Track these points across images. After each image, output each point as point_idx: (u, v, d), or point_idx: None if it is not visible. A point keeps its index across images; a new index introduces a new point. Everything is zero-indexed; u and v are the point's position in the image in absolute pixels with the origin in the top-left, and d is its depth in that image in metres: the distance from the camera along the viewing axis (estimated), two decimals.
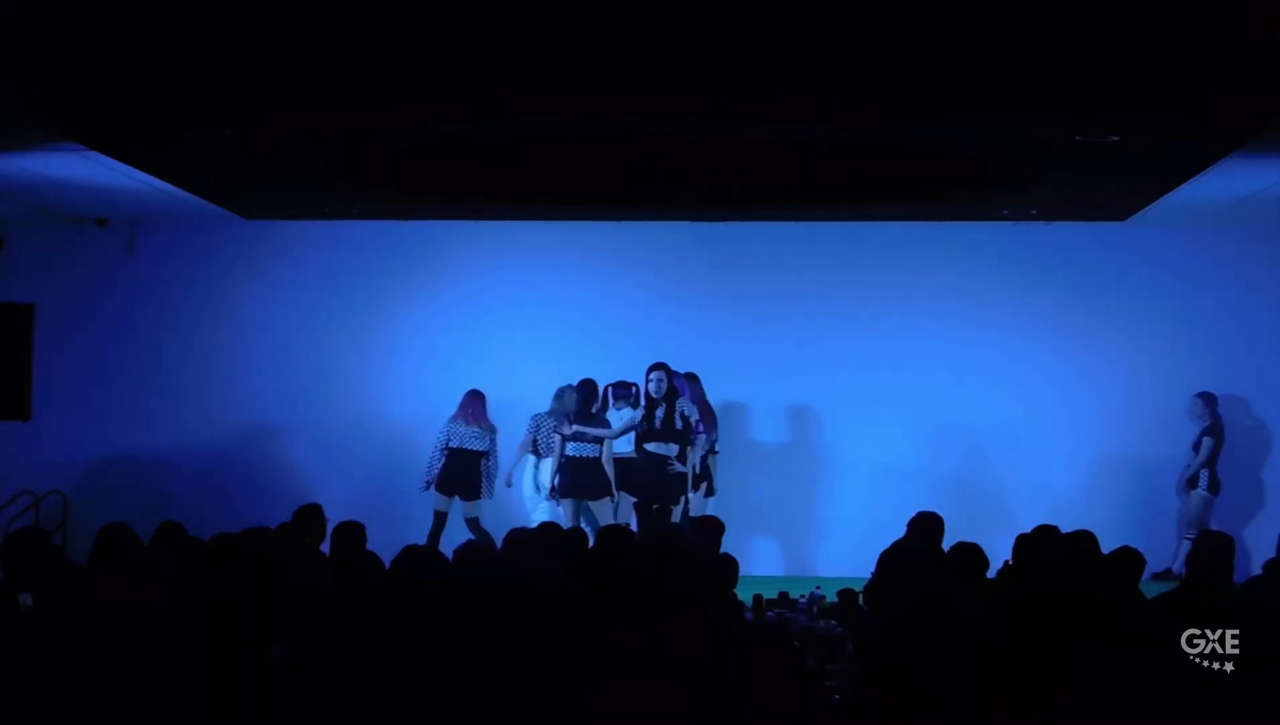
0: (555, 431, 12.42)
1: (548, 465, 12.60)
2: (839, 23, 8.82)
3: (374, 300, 14.13)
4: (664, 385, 12.09)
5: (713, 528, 8.75)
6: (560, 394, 12.73)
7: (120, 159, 11.06)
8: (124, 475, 14.03)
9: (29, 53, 9.13)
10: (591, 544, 8.22)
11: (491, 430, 12.75)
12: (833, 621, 7.79)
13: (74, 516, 13.28)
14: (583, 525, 11.39)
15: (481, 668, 4.86)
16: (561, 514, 12.26)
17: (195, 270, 14.17)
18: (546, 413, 12.71)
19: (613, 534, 8.12)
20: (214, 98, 9.39)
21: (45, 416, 13.23)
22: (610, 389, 12.70)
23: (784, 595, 9.58)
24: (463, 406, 12.76)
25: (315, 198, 13.11)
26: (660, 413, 12.07)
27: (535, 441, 12.70)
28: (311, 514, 8.60)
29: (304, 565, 7.38)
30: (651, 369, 12.21)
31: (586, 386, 12.51)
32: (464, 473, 12.62)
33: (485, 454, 12.70)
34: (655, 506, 12.14)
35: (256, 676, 4.99)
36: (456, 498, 12.65)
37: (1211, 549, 6.60)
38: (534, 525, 11.36)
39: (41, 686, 5.08)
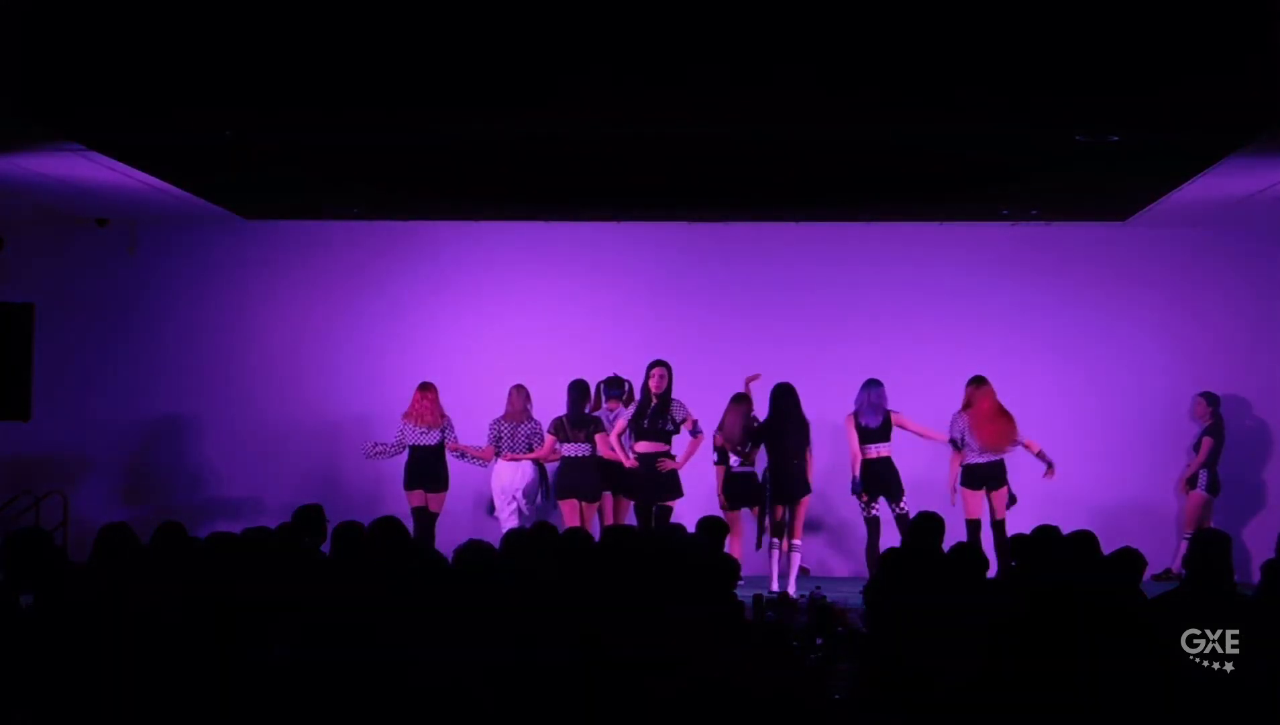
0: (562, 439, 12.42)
1: (510, 469, 12.60)
2: (839, 23, 8.82)
3: (374, 300, 14.14)
4: (665, 382, 12.12)
5: (715, 528, 8.74)
6: (510, 395, 12.75)
7: (120, 159, 11.07)
8: (124, 475, 14.05)
9: (28, 53, 9.13)
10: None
11: (440, 423, 12.74)
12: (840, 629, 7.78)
13: (74, 516, 13.28)
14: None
15: (481, 667, 4.87)
16: (521, 520, 12.29)
17: (195, 270, 14.18)
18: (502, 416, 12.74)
19: (614, 534, 8.14)
20: (213, 98, 9.40)
21: (45, 416, 13.23)
22: (602, 386, 12.69)
23: (784, 595, 9.60)
24: (411, 404, 12.77)
25: (315, 198, 13.12)
26: (652, 411, 12.11)
27: (497, 444, 12.69)
28: (311, 514, 8.60)
29: (304, 565, 7.38)
30: (653, 366, 12.22)
31: (578, 387, 12.50)
32: (425, 467, 12.67)
33: (440, 447, 12.72)
34: (655, 507, 12.17)
35: (256, 676, 4.99)
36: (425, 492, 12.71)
37: (1208, 547, 6.60)
38: (503, 528, 11.48)
39: (41, 686, 5.07)
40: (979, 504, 12.26)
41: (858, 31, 8.88)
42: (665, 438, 12.18)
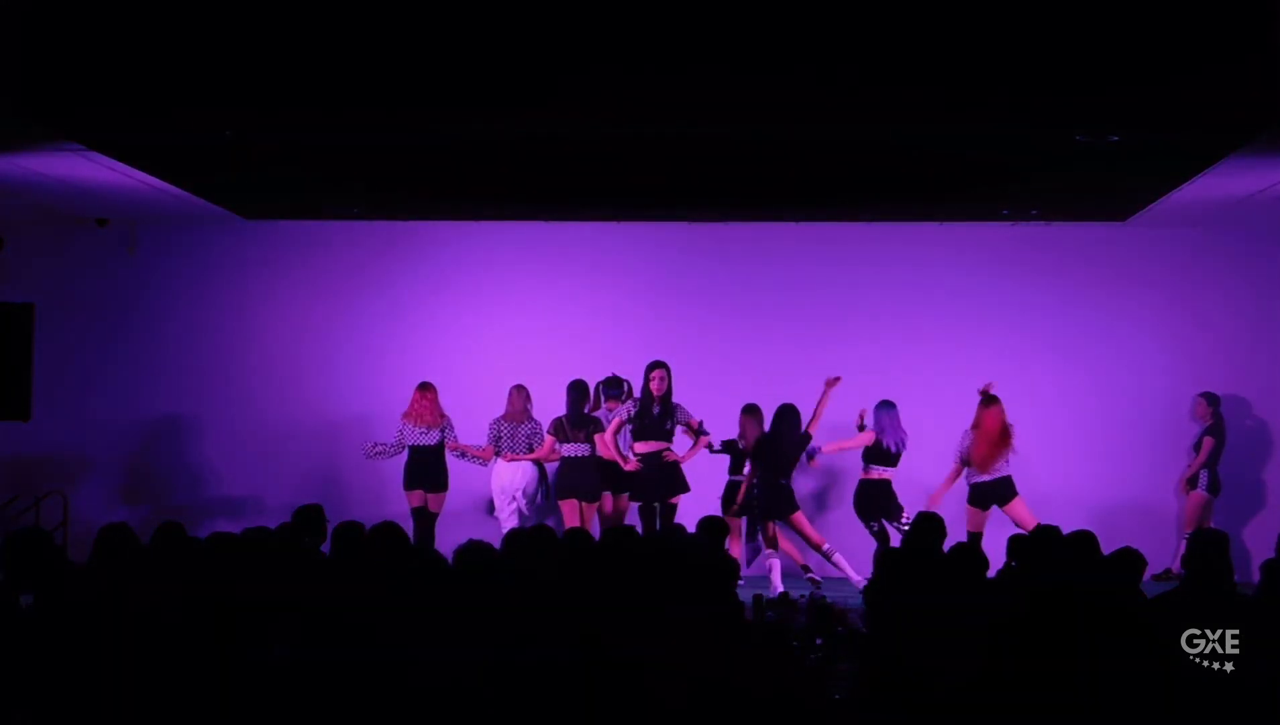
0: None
1: (510, 469, 12.59)
2: (839, 23, 8.82)
3: (374, 300, 14.14)
4: (665, 384, 12.14)
5: (715, 528, 8.74)
6: (510, 395, 12.75)
7: (120, 159, 11.07)
8: (124, 475, 14.06)
9: (28, 53, 9.13)
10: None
11: (440, 423, 12.73)
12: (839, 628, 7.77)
13: (74, 516, 13.28)
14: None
15: (481, 667, 4.86)
16: (521, 520, 12.31)
17: (195, 270, 14.18)
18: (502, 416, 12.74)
19: (614, 534, 8.14)
20: (213, 98, 9.40)
21: (45, 416, 13.23)
22: (601, 386, 12.70)
23: (784, 595, 9.58)
24: (410, 404, 12.78)
25: (315, 198, 13.12)
26: (656, 412, 12.12)
27: (497, 444, 12.69)
28: (312, 514, 8.59)
29: (304, 565, 7.37)
30: (653, 367, 12.23)
31: (577, 387, 12.50)
32: (424, 467, 12.67)
33: (439, 447, 12.71)
34: (656, 505, 12.19)
35: (256, 676, 4.99)
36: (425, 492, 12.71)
37: (1207, 546, 6.62)
38: (503, 529, 11.52)
39: (41, 686, 5.07)
40: (981, 520, 12.29)
41: (857, 31, 8.87)
42: (667, 438, 12.22)
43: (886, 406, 12.39)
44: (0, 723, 5.10)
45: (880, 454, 12.30)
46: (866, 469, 12.35)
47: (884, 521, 12.24)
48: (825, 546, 12.14)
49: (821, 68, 9.08)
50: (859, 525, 12.47)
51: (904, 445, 12.31)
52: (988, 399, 12.39)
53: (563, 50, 9.05)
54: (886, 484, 12.31)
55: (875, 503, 12.25)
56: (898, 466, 12.34)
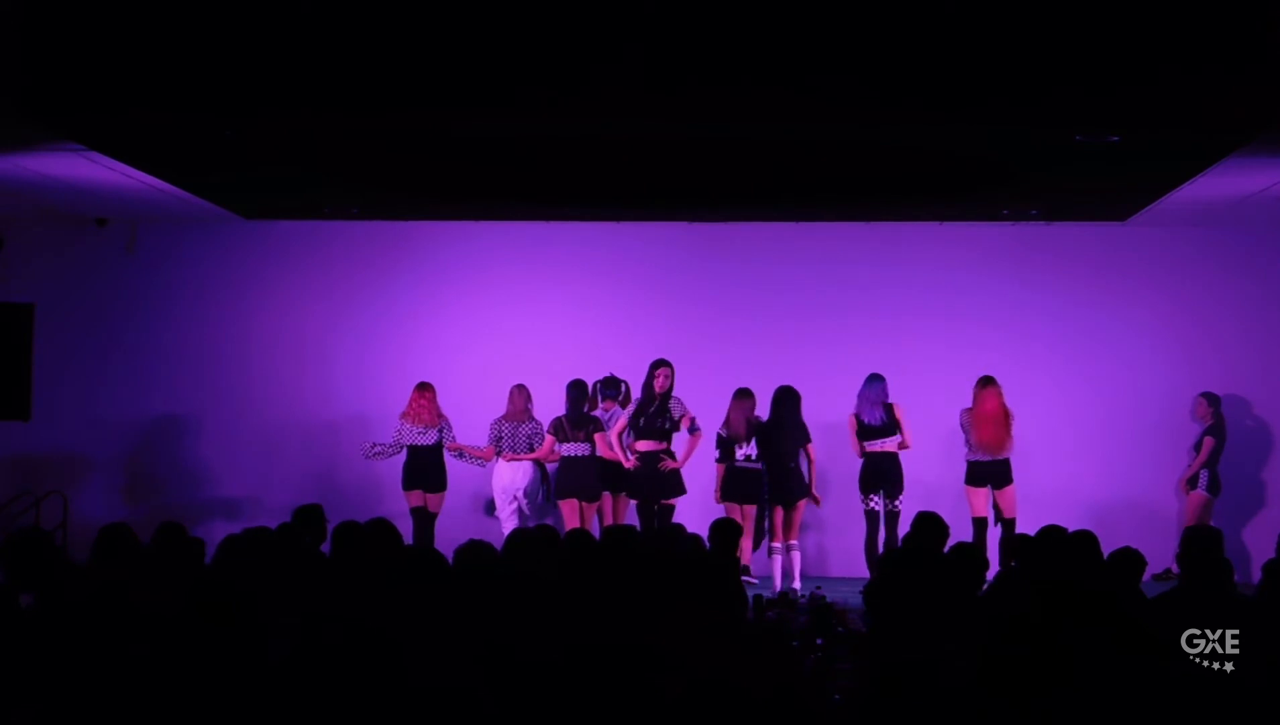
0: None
1: (510, 469, 12.59)
2: (839, 22, 8.82)
3: (374, 300, 14.14)
4: (668, 382, 12.15)
5: (727, 529, 8.72)
6: (510, 395, 12.75)
7: (120, 159, 11.07)
8: (124, 475, 14.05)
9: (28, 53, 9.13)
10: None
11: (438, 423, 12.73)
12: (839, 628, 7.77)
13: (74, 516, 13.28)
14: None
15: (482, 665, 4.87)
16: (522, 520, 12.31)
17: (195, 270, 14.18)
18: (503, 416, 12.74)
19: (614, 534, 8.14)
20: (213, 98, 9.40)
21: (45, 416, 13.23)
22: (599, 386, 12.70)
23: (784, 595, 9.59)
24: (408, 404, 12.78)
25: (315, 198, 13.12)
26: (652, 411, 12.13)
27: (497, 444, 12.68)
28: (312, 513, 8.60)
29: (304, 565, 7.37)
30: (657, 365, 12.23)
31: (577, 387, 12.50)
32: (423, 467, 12.67)
33: (438, 447, 12.71)
34: (656, 505, 12.18)
35: (256, 676, 4.99)
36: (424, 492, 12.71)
37: (1200, 543, 6.62)
38: (503, 529, 11.51)
39: (41, 686, 5.07)
40: (983, 501, 12.28)
41: (857, 33, 8.87)
42: (665, 436, 12.21)
43: (868, 380, 12.38)
44: (0, 722, 5.10)
45: (865, 429, 12.26)
46: (865, 444, 12.30)
47: (881, 497, 12.17)
48: (793, 540, 12.07)
49: (821, 70, 9.07)
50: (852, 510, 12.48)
51: (876, 416, 12.24)
52: (984, 381, 12.39)
53: (563, 51, 9.04)
54: (889, 457, 12.21)
55: (878, 474, 12.17)
56: (896, 435, 12.24)
